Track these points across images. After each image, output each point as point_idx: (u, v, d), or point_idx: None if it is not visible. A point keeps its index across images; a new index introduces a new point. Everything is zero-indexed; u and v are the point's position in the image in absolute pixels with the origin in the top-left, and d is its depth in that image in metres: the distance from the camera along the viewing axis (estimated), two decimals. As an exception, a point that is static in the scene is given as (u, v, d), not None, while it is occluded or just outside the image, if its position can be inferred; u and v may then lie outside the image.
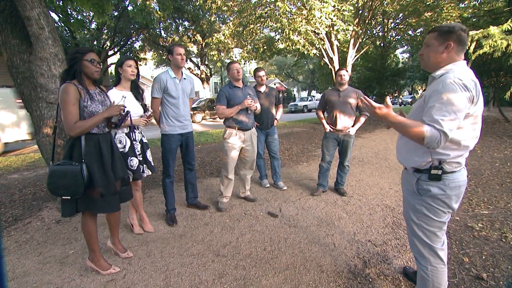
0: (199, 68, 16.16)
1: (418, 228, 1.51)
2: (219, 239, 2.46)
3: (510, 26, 5.22)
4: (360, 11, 8.44)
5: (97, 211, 1.91)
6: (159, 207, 3.18)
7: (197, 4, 10.17)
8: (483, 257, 2.17)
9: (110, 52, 12.75)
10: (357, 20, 8.52)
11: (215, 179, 4.31)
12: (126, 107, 1.90)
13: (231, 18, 10.28)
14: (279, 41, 8.24)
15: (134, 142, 2.39)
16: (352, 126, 3.32)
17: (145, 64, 14.73)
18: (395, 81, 15.67)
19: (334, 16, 6.38)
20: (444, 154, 1.36)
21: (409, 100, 31.79)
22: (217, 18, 11.71)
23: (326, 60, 10.66)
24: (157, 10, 9.57)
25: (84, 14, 10.42)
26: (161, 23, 10.44)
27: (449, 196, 1.39)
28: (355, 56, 10.54)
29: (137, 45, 13.29)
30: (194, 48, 13.80)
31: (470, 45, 5.56)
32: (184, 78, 2.69)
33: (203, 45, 14.81)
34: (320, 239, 2.45)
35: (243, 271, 2.01)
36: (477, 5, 9.36)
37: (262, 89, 3.67)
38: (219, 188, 3.20)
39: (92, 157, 1.78)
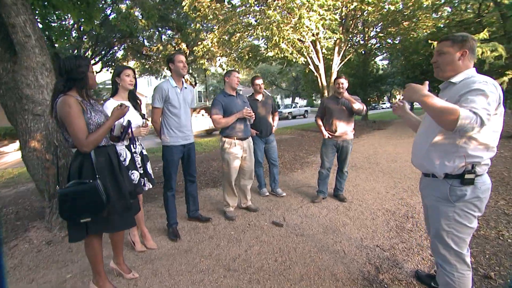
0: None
1: (447, 236, 1.46)
2: (227, 252, 2.38)
3: (486, 36, 5.60)
4: (344, 20, 8.75)
5: (113, 230, 1.80)
6: (159, 221, 3.05)
7: (182, 12, 10.10)
8: (487, 256, 2.23)
9: (92, 62, 12.34)
10: (341, 28, 8.81)
11: (211, 189, 4.22)
12: (128, 107, 1.81)
13: (216, 27, 10.32)
14: (268, 49, 8.33)
15: (134, 155, 2.29)
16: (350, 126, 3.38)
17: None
18: (377, 87, 16.28)
19: (321, 24, 6.55)
20: (478, 157, 1.35)
21: (388, 105, 33.05)
22: (202, 27, 11.68)
23: (312, 67, 10.90)
24: (141, 18, 9.42)
25: (63, 23, 10.06)
26: (145, 32, 10.27)
27: (481, 199, 1.39)
28: (340, 63, 10.86)
29: (119, 54, 12.95)
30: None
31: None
32: (185, 87, 2.63)
33: (188, 53, 14.72)
34: (329, 247, 2.43)
35: (258, 285, 1.94)
36: (449, 16, 9.96)
37: (259, 97, 3.67)
38: (224, 198, 3.14)
39: (105, 171, 1.68)
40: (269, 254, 2.33)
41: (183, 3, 8.34)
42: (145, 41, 12.52)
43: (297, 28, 7.05)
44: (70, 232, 1.67)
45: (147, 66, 14.80)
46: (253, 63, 12.73)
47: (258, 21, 7.59)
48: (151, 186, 2.43)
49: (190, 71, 17.33)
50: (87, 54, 11.67)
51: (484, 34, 5.58)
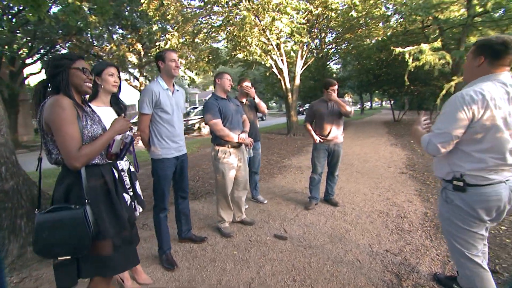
0: (137, 79, 14.83)
1: (450, 235, 1.57)
2: (238, 277, 2.10)
3: (439, 45, 6.26)
4: (308, 24, 9.03)
5: (115, 272, 1.38)
6: (145, 247, 2.60)
7: (139, 10, 9.30)
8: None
9: (29, 61, 10.54)
10: (305, 31, 9.06)
11: (193, 202, 3.82)
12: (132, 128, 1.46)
13: (172, 28, 9.82)
14: (237, 50, 8.12)
15: (122, 173, 1.88)
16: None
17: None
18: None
19: (294, 27, 6.60)
20: (459, 166, 1.44)
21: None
22: (160, 27, 10.91)
23: (275, 70, 11.01)
24: (90, 13, 8.37)
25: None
26: (95, 30, 9.15)
27: (474, 209, 1.43)
28: (302, 66, 11.16)
29: (63, 53, 11.24)
30: (133, 58, 12.52)
31: (409, 58, 6.45)
32: (177, 90, 2.28)
33: (143, 54, 13.68)
34: (343, 258, 2.32)
35: (286, 313, 1.72)
36: (397, 26, 11.00)
37: (244, 100, 3.45)
38: (218, 213, 2.83)
39: (97, 195, 1.31)
40: (285, 274, 2.12)
41: (142, 0, 7.67)
42: (94, 39, 11.19)
43: (266, 30, 6.99)
44: (57, 277, 1.24)
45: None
46: (213, 66, 12.39)
47: (229, 21, 7.34)
48: (141, 210, 2.03)
49: (145, 73, 16.15)
50: (20, 52, 9.97)
51: (437, 44, 6.26)
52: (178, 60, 2.20)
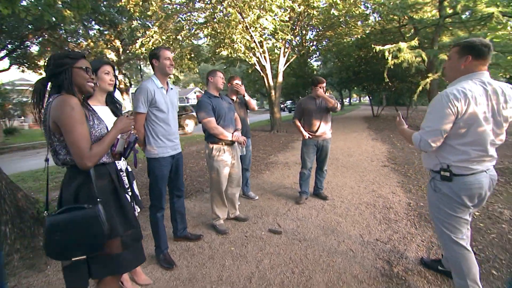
0: (116, 78, 14.29)
1: (438, 221, 1.70)
2: (238, 273, 2.14)
3: (416, 43, 6.59)
4: (291, 22, 9.14)
5: (126, 270, 1.40)
6: (139, 248, 2.56)
7: (117, 5, 8.95)
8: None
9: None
10: (288, 29, 9.16)
11: (188, 201, 3.78)
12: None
13: (151, 25, 9.59)
14: (222, 48, 8.05)
15: (121, 173, 1.84)
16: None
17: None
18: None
19: (278, 25, 6.66)
20: (446, 158, 1.58)
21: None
22: (140, 23, 10.57)
23: (258, 67, 11.05)
24: (64, 7, 7.94)
25: None
26: (71, 25, 8.67)
27: (459, 196, 1.57)
28: (285, 63, 11.29)
29: (34, 49, 10.56)
30: (112, 55, 12.01)
31: (388, 55, 6.73)
32: (171, 88, 2.26)
33: (121, 51, 13.20)
34: (336, 249, 2.43)
35: (288, 304, 1.79)
36: (375, 25, 11.40)
37: (235, 98, 3.46)
38: (213, 211, 2.85)
39: (106, 193, 1.31)
40: (283, 267, 2.19)
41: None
42: (67, 35, 10.59)
43: (250, 27, 6.99)
44: (67, 279, 1.23)
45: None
46: (194, 64, 12.23)
47: (214, 18, 7.24)
48: (139, 210, 2.02)
49: (124, 71, 15.61)
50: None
51: (414, 42, 6.60)
52: (172, 58, 2.18)
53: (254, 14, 6.22)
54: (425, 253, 2.31)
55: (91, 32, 11.58)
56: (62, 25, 9.81)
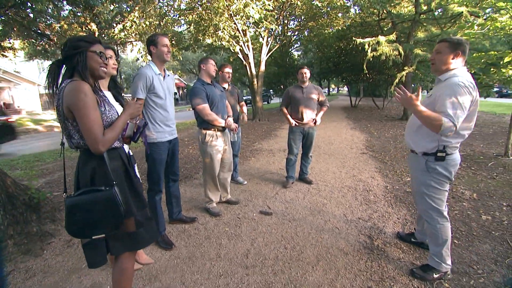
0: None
1: (428, 198, 1.88)
2: (234, 250, 2.29)
3: (394, 37, 6.90)
4: (276, 12, 9.14)
5: (142, 246, 1.48)
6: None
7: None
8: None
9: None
10: (273, 18, 9.18)
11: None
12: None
13: (129, 9, 9.18)
14: (206, 36, 7.91)
15: (122, 157, 1.89)
16: (316, 115, 3.65)
17: (14, 55, 10.89)
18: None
19: (263, 14, 6.66)
20: (448, 141, 1.76)
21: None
22: (117, 7, 9.98)
23: (241, 56, 11.00)
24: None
25: None
26: (39, 3, 7.97)
27: (450, 172, 1.81)
28: (268, 53, 11.32)
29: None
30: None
31: (368, 48, 7.03)
32: (168, 75, 2.29)
33: (97, 35, 12.42)
34: (323, 227, 2.65)
35: (283, 274, 1.98)
36: (355, 17, 11.69)
37: (226, 86, 3.53)
38: (206, 194, 2.96)
39: (119, 176, 1.38)
40: (276, 244, 2.37)
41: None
42: (36, 15, 9.74)
43: (235, 15, 6.94)
44: (87, 256, 1.30)
45: (39, 48, 11.71)
46: (178, 51, 11.91)
47: (201, 5, 7.06)
48: (139, 193, 2.07)
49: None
50: None
51: (392, 36, 6.92)
52: (169, 45, 2.20)
53: (240, 2, 6.19)
54: (401, 228, 2.60)
55: (63, 14, 10.75)
56: (29, 3, 9.04)
